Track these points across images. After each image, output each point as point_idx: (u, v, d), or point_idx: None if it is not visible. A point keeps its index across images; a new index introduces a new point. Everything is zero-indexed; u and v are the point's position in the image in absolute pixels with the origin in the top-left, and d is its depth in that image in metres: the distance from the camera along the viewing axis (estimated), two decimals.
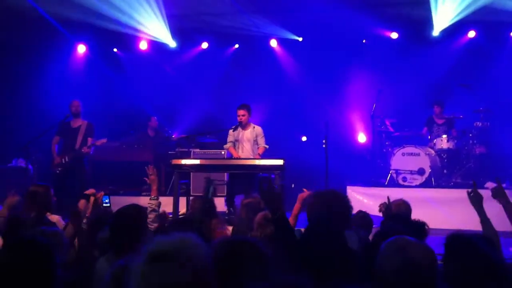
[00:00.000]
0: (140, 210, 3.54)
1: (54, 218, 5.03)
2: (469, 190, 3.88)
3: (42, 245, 2.44)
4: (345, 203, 3.34)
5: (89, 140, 9.20)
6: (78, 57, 12.58)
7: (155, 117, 11.40)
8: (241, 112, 8.65)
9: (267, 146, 8.71)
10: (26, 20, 11.25)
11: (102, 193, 5.37)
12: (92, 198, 4.89)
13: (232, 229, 4.99)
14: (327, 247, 2.85)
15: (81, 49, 12.50)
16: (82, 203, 4.89)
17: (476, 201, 3.79)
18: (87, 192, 4.98)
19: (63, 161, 9.09)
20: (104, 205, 5.19)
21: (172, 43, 12.41)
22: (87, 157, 9.30)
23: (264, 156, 8.50)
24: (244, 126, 8.70)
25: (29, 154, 9.62)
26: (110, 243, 3.39)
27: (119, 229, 3.39)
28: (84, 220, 4.59)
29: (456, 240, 2.65)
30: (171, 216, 6.99)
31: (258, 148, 8.70)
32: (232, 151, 8.75)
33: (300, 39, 12.20)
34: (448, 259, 2.62)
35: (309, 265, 2.79)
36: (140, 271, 1.85)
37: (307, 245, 2.95)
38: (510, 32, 11.35)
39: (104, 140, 9.26)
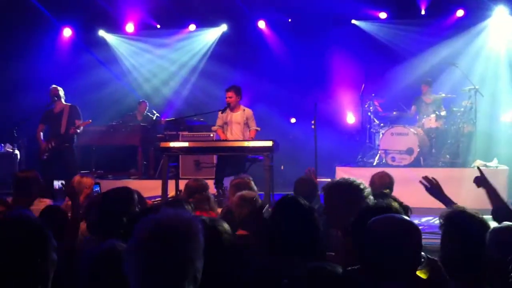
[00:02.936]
0: (128, 193, 3.48)
1: (45, 202, 4.99)
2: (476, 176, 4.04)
3: (34, 223, 2.34)
4: None
5: (77, 122, 9.08)
6: (64, 40, 12.43)
7: (146, 102, 11.32)
8: (228, 94, 8.54)
9: (259, 129, 8.64)
10: (10, 4, 11.08)
11: (93, 182, 5.33)
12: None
13: (221, 211, 4.97)
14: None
15: (67, 32, 12.34)
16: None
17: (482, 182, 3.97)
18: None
19: (50, 147, 8.99)
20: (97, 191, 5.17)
21: (158, 25, 12.30)
22: (75, 141, 9.21)
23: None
24: (232, 108, 8.60)
25: (16, 140, 9.53)
26: (98, 226, 3.36)
27: (106, 212, 3.35)
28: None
29: (454, 218, 2.71)
30: (159, 199, 6.97)
31: (249, 131, 8.63)
32: (220, 133, 8.69)
33: (289, 20, 12.12)
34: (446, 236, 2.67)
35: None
36: (142, 249, 1.86)
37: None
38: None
39: (88, 121, 9.14)
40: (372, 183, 5.09)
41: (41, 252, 2.17)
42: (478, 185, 4.02)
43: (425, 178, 3.97)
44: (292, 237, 2.76)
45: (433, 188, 3.93)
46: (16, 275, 2.10)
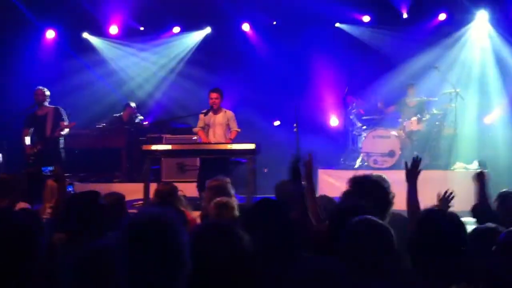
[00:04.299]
0: (94, 197, 3.44)
1: (21, 205, 4.96)
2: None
3: (22, 224, 2.31)
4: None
5: (62, 124, 9.02)
6: (47, 42, 12.34)
7: (133, 105, 11.28)
8: (214, 95, 8.58)
9: (239, 130, 8.70)
10: None
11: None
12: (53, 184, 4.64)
13: (200, 214, 4.97)
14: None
15: (50, 34, 12.25)
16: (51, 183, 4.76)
17: (412, 176, 3.78)
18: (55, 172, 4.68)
19: (35, 150, 8.93)
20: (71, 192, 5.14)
21: (141, 27, 12.27)
22: (62, 144, 9.15)
23: (236, 140, 8.49)
24: (216, 111, 8.66)
25: None
26: (64, 229, 3.33)
27: (70, 215, 3.32)
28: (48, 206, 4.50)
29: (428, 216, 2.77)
30: (141, 202, 6.97)
31: (230, 132, 8.68)
32: (202, 135, 8.72)
33: (274, 22, 12.15)
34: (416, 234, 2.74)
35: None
36: (125, 250, 1.92)
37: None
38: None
39: (72, 123, 9.09)
40: None
41: (28, 250, 2.18)
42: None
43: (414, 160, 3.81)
44: (268, 240, 2.76)
45: (412, 171, 3.78)
46: (3, 272, 2.11)
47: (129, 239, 1.94)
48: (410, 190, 3.74)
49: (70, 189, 5.19)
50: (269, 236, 2.75)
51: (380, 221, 2.62)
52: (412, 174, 3.78)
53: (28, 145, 9.00)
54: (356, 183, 3.58)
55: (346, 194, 3.58)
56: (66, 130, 9.00)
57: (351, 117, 10.49)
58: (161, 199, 4.74)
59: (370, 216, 2.63)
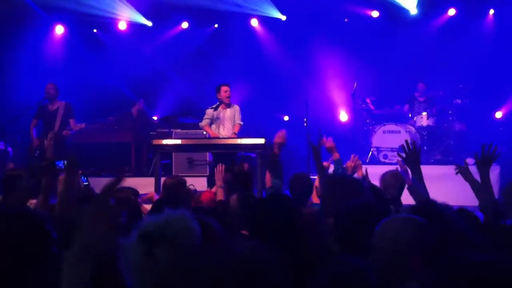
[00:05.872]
0: (86, 195, 3.42)
1: (33, 202, 4.95)
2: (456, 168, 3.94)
3: (37, 217, 2.30)
4: None
5: (71, 122, 9.06)
6: (56, 38, 12.36)
7: (142, 100, 11.29)
8: (228, 88, 8.61)
9: (241, 123, 8.71)
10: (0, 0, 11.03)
11: (79, 172, 5.24)
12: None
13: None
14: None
15: (59, 30, 12.28)
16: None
17: (467, 176, 3.87)
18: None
19: (42, 144, 8.96)
20: (85, 183, 5.12)
21: (149, 23, 12.27)
22: (70, 141, 9.19)
23: (246, 135, 8.47)
24: (228, 105, 8.68)
25: (7, 136, 9.50)
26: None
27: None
28: None
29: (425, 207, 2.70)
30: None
31: (234, 126, 8.68)
32: (208, 129, 8.70)
33: (284, 17, 12.11)
34: None
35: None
36: (136, 253, 1.93)
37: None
38: (490, 9, 11.39)
39: (82, 125, 9.12)
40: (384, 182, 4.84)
41: (41, 246, 2.17)
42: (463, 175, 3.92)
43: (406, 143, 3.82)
44: (273, 235, 2.64)
45: (411, 156, 3.76)
46: (17, 268, 2.10)
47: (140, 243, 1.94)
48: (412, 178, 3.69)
49: (83, 181, 5.16)
50: (277, 234, 2.61)
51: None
52: (411, 160, 3.72)
53: (35, 138, 9.05)
54: (335, 183, 3.55)
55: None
56: (74, 131, 9.05)
57: (361, 112, 10.47)
58: (168, 192, 4.73)
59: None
